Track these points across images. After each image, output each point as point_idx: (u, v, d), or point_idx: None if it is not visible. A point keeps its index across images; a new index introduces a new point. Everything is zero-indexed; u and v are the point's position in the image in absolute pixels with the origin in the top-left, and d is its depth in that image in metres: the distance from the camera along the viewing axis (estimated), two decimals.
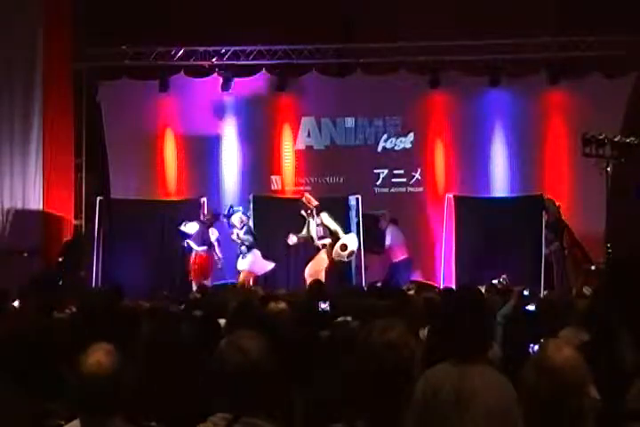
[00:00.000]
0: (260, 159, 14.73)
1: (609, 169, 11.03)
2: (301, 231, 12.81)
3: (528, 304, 6.87)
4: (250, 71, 14.60)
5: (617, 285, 4.18)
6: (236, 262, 13.01)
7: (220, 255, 13.15)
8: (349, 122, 14.74)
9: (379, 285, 10.29)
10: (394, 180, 14.63)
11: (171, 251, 13.72)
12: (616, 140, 11.12)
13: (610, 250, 11.13)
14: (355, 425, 2.65)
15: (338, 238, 12.73)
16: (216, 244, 13.16)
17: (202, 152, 14.67)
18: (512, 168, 14.47)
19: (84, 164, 14.50)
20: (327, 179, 14.63)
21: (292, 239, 12.76)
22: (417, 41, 14.04)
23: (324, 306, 6.85)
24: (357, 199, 13.64)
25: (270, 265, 13.00)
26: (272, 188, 14.67)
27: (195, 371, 3.95)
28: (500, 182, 14.48)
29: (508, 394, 3.24)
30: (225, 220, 13.25)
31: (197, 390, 3.72)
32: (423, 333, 5.30)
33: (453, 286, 11.64)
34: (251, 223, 13.29)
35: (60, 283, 12.01)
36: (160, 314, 5.82)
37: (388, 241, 13.83)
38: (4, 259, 12.58)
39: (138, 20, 13.86)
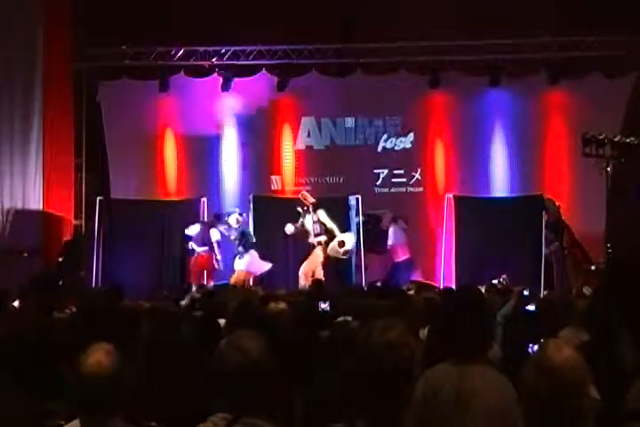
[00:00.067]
0: (260, 159, 14.73)
1: (609, 169, 11.04)
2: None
3: (528, 304, 6.87)
4: (250, 71, 14.60)
5: (617, 285, 4.18)
6: (233, 262, 13.05)
7: (219, 257, 13.16)
8: (349, 122, 14.74)
9: (379, 284, 10.30)
10: (394, 180, 14.64)
11: (171, 251, 13.73)
12: (616, 140, 11.13)
13: (610, 250, 11.14)
14: (355, 425, 2.64)
15: (333, 237, 12.91)
16: (216, 245, 13.17)
17: (202, 152, 14.67)
18: (512, 168, 14.48)
19: (84, 164, 14.51)
20: (327, 179, 14.64)
21: (290, 228, 12.92)
22: (417, 41, 14.04)
23: (324, 306, 6.85)
24: (357, 199, 13.66)
25: (267, 265, 13.02)
26: (272, 188, 14.67)
27: (195, 371, 3.95)
28: (500, 182, 14.50)
29: (508, 394, 3.23)
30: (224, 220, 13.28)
31: (197, 390, 3.71)
32: (423, 333, 5.29)
33: (453, 286, 11.64)
34: (251, 223, 13.31)
35: (60, 283, 12.03)
36: (160, 314, 5.81)
37: (390, 241, 13.84)
38: (4, 259, 12.58)
39: (138, 20, 13.86)
